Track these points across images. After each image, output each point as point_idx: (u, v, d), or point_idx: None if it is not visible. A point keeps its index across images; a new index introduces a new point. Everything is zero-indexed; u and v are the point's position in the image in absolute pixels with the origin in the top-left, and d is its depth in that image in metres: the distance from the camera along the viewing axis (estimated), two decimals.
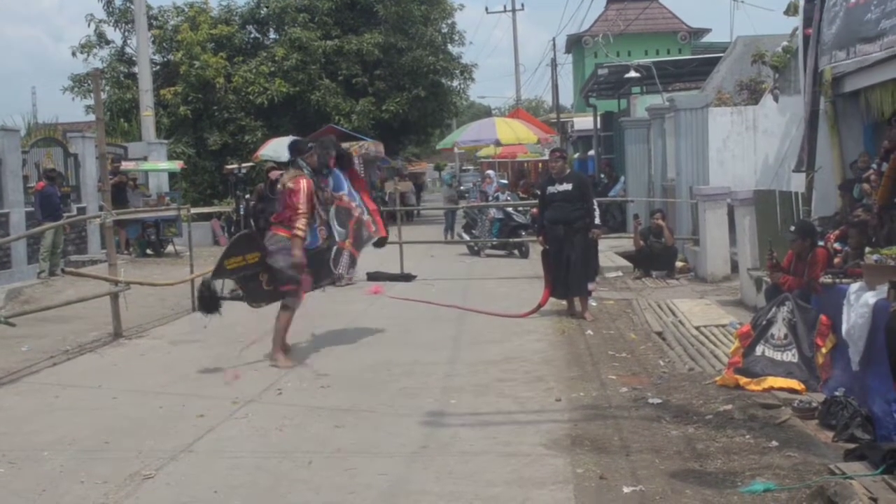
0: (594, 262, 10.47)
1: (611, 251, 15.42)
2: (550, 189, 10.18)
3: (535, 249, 13.96)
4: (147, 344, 9.38)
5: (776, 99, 13.39)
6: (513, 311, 10.23)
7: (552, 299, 10.33)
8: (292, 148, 8.48)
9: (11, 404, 6.99)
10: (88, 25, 29.06)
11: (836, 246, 7.70)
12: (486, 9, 46.92)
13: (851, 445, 5.04)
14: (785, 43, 13.54)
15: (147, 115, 23.66)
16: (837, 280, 6.47)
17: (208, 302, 8.01)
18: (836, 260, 7.16)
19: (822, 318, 6.48)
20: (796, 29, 12.30)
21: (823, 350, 6.39)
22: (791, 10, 12.66)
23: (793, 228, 7.77)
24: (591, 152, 28.28)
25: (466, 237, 18.50)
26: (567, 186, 10.04)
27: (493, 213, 17.56)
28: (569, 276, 9.95)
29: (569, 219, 9.96)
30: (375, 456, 5.35)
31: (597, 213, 10.26)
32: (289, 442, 5.71)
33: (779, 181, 12.46)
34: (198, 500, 4.77)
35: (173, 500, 4.79)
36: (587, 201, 10.06)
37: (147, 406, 6.70)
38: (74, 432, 6.06)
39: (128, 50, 29.71)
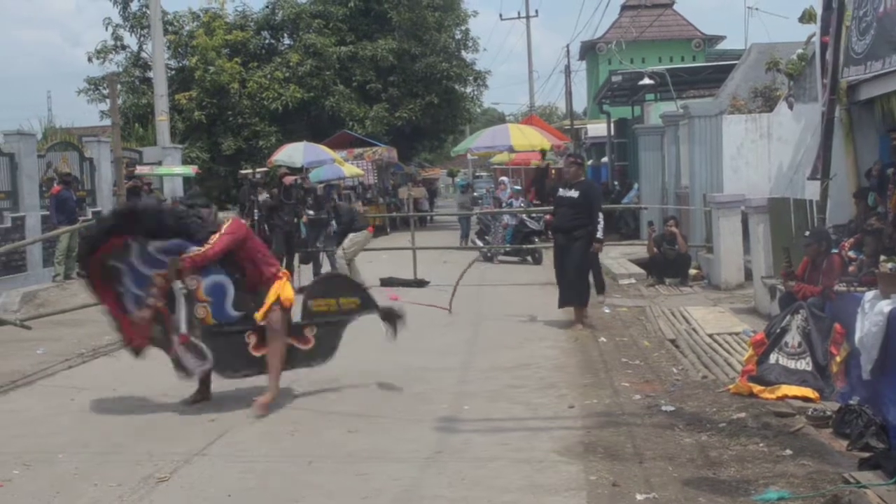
0: (589, 275, 10.22)
1: (624, 258, 15.39)
2: (560, 193, 10.09)
3: (549, 256, 13.94)
4: None
5: (791, 106, 13.32)
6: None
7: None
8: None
9: (26, 406, 7.05)
10: (106, 29, 29.32)
11: (851, 254, 7.67)
12: (500, 15, 47.37)
13: (866, 454, 5.02)
14: (800, 50, 13.47)
15: (162, 119, 23.77)
16: (852, 288, 6.44)
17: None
18: (851, 268, 7.14)
19: (837, 326, 6.45)
20: (811, 36, 12.25)
21: (838, 358, 6.36)
22: (806, 18, 12.58)
23: (808, 234, 7.73)
24: (605, 159, 28.24)
25: (479, 243, 18.48)
26: (574, 193, 9.82)
27: (506, 219, 17.53)
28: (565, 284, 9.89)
29: (568, 227, 9.79)
30: (388, 461, 5.36)
31: (601, 225, 9.76)
32: (301, 446, 5.73)
33: (793, 189, 12.40)
34: (211, 503, 4.79)
35: (187, 503, 4.81)
36: (592, 212, 9.73)
37: (161, 409, 6.75)
38: (89, 435, 6.11)
39: (143, 55, 29.91)
